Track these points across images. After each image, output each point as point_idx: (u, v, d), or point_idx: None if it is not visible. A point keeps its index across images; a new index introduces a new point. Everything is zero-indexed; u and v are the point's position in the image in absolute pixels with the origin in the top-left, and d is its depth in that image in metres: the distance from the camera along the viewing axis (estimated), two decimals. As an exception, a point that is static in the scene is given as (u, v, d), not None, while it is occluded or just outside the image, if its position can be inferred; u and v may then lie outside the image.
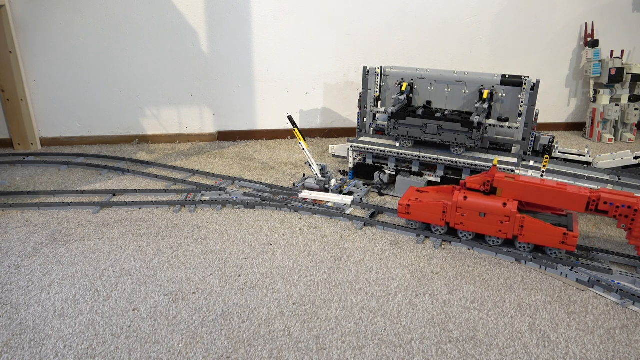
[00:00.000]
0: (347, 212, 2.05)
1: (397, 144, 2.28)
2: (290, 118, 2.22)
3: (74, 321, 1.40)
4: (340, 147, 2.51)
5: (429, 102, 2.37)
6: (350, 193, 2.24)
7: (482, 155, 2.18)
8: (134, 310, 1.45)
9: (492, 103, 2.22)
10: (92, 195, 2.23)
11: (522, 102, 2.15)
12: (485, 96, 2.19)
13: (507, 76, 2.17)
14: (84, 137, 2.98)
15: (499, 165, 2.03)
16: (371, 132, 2.48)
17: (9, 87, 2.75)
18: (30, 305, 1.47)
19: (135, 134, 3.02)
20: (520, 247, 1.77)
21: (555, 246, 1.70)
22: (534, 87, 2.09)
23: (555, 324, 1.43)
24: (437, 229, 1.87)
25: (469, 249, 1.82)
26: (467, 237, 1.83)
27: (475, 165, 2.10)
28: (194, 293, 1.54)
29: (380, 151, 2.28)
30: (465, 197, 1.77)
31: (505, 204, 1.72)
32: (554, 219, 1.78)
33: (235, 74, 2.97)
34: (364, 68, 2.38)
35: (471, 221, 1.79)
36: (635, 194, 1.65)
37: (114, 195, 2.23)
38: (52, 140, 2.96)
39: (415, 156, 2.21)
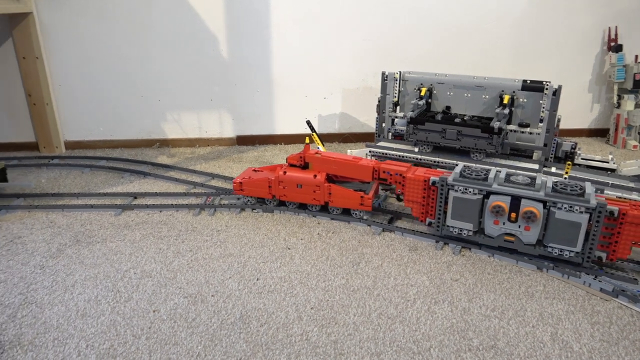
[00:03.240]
0: (365, 217, 2.05)
1: (416, 149, 2.27)
2: (308, 123, 2.23)
3: (96, 321, 1.43)
4: (358, 152, 2.51)
5: (448, 108, 2.36)
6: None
7: (503, 162, 2.16)
8: (154, 311, 1.47)
9: (513, 108, 2.20)
10: (114, 197, 2.27)
11: (543, 108, 2.13)
12: (505, 101, 2.16)
13: (528, 81, 2.15)
14: (106, 140, 3.04)
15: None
16: (389, 137, 2.48)
17: (35, 91, 2.82)
18: (54, 305, 1.50)
19: (156, 138, 3.07)
20: (331, 210, 2.07)
21: (356, 207, 2.02)
22: (556, 93, 2.06)
23: (578, 334, 1.40)
24: (270, 201, 2.14)
25: (489, 256, 1.80)
26: (294, 206, 2.13)
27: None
28: (212, 296, 1.55)
29: (399, 156, 2.27)
30: (285, 172, 2.06)
31: (315, 176, 2.02)
32: (357, 186, 2.10)
33: (255, 79, 3.00)
34: (383, 73, 2.38)
35: (291, 192, 2.07)
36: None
37: (135, 198, 2.27)
38: (76, 143, 3.03)
39: (434, 161, 2.19)
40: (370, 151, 2.33)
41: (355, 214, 2.05)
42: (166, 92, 2.97)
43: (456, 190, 1.74)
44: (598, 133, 3.35)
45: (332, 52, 2.98)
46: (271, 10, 2.85)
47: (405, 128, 2.28)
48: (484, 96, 2.26)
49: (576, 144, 2.18)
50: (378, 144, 2.36)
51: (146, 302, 1.51)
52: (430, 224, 1.89)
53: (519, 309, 1.51)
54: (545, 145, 2.15)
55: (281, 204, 2.15)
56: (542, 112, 2.13)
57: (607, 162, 2.23)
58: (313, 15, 2.89)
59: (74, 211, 2.14)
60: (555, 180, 1.70)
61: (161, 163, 2.72)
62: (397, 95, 2.41)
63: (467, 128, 2.11)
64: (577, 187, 1.64)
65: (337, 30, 2.93)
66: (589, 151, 3.03)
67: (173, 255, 1.79)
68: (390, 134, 2.48)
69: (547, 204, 1.63)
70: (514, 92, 2.18)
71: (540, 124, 2.14)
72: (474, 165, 1.87)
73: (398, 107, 2.45)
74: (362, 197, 1.99)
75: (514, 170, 1.90)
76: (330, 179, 2.08)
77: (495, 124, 2.06)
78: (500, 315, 1.48)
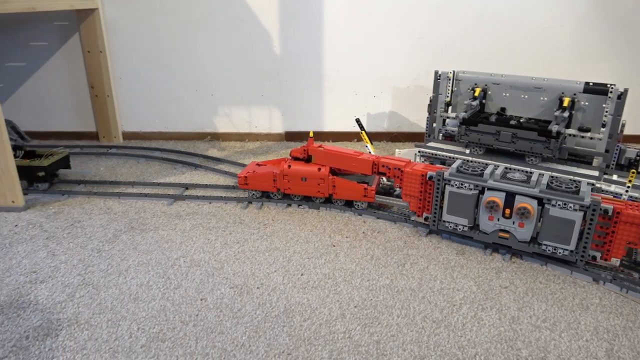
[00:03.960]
0: (412, 218, 2.02)
1: (467, 151, 2.21)
2: (358, 121, 2.22)
3: (147, 305, 1.49)
4: (407, 152, 2.48)
5: (503, 109, 2.28)
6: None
7: (560, 167, 2.07)
8: (201, 300, 1.52)
9: (573, 112, 2.10)
10: (166, 187, 2.35)
11: (606, 112, 2.02)
12: (565, 104, 2.07)
13: (591, 84, 2.04)
14: (161, 132, 3.15)
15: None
16: (440, 138, 2.43)
17: (98, 83, 2.97)
18: (109, 288, 1.58)
19: (208, 131, 3.15)
20: (335, 202, 2.12)
21: (360, 199, 2.07)
22: (621, 96, 1.95)
23: (636, 352, 1.32)
24: (275, 195, 2.17)
25: (542, 265, 1.73)
26: (298, 198, 2.16)
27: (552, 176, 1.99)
28: (258, 288, 1.58)
29: (449, 157, 2.22)
30: (290, 166, 2.10)
31: (320, 169, 2.08)
32: (360, 178, 2.13)
33: (305, 75, 3.02)
34: (436, 72, 2.33)
35: (296, 185, 2.12)
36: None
37: (187, 188, 2.34)
38: (132, 134, 3.16)
39: (486, 164, 2.13)
40: (419, 151, 2.29)
41: (357, 205, 2.09)
42: (219, 87, 3.04)
43: (452, 185, 1.75)
44: (666, 140, 3.14)
45: (384, 50, 2.95)
46: (324, 7, 2.86)
47: (456, 129, 2.23)
48: (542, 98, 2.18)
49: (641, 151, 2.06)
50: (428, 144, 2.32)
51: (194, 291, 1.56)
52: (426, 219, 1.91)
53: (572, 321, 1.44)
54: (607, 151, 2.04)
55: (285, 196, 2.19)
56: (605, 116, 2.02)
57: (676, 172, 2.09)
58: (366, 12, 2.87)
59: (129, 199, 2.24)
60: (552, 178, 1.68)
61: (212, 156, 2.79)
62: (449, 95, 2.36)
63: (523, 131, 2.03)
64: (572, 184, 1.64)
65: (390, 27, 2.90)
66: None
67: (221, 246, 1.83)
68: (441, 134, 2.43)
69: (542, 200, 1.62)
70: (574, 94, 2.08)
71: (603, 129, 2.04)
72: (472, 160, 1.84)
73: (450, 108, 2.40)
74: (365, 188, 2.04)
75: (512, 167, 1.92)
76: (334, 171, 2.12)
77: (554, 128, 1.97)
78: (552, 326, 1.42)
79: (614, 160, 2.06)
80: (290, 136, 3.15)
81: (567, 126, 2.11)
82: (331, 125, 3.14)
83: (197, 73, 3.01)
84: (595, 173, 2.00)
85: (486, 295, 1.55)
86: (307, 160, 2.14)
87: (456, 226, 1.80)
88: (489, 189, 1.70)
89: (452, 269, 1.70)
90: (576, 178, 1.74)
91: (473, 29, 2.88)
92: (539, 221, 1.66)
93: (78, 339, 1.34)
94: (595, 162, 2.14)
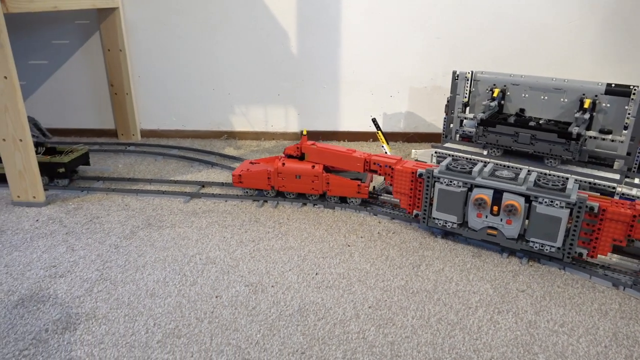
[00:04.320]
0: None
1: (485, 152, 2.19)
2: (374, 121, 2.22)
3: (164, 302, 1.50)
4: (423, 153, 2.47)
5: (522, 110, 2.25)
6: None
7: (580, 169, 2.03)
8: (216, 297, 1.53)
9: (594, 113, 2.06)
10: (183, 185, 2.38)
11: (628, 114, 1.98)
12: (586, 106, 2.03)
13: (613, 85, 2.01)
14: (178, 130, 3.18)
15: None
16: (457, 139, 2.41)
17: (117, 82, 3.01)
18: (126, 283, 1.60)
19: (225, 130, 3.18)
20: (328, 198, 2.15)
21: (353, 195, 2.10)
22: (645, 98, 1.91)
23: (658, 360, 1.29)
24: (268, 193, 2.19)
25: (560, 269, 1.70)
26: (292, 196, 2.19)
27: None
28: (272, 286, 1.58)
29: (466, 159, 2.20)
30: (284, 164, 2.12)
31: (313, 167, 2.10)
32: (354, 175, 2.16)
33: (322, 75, 3.02)
34: (454, 72, 2.31)
35: (290, 183, 2.14)
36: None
37: (203, 186, 2.36)
38: (150, 132, 3.20)
39: (504, 166, 2.11)
40: (436, 152, 2.28)
41: (352, 202, 2.13)
42: (236, 86, 3.06)
43: (442, 183, 1.77)
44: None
45: (401, 50, 2.93)
46: (341, 7, 2.85)
47: (474, 130, 2.21)
48: (562, 99, 2.14)
49: (665, 154, 2.01)
50: (444, 145, 2.31)
51: (210, 288, 1.57)
52: (417, 216, 1.92)
53: (590, 326, 1.42)
54: (628, 154, 2.00)
55: (279, 194, 2.22)
56: (628, 118, 1.98)
57: (701, 176, 2.04)
58: (383, 11, 2.86)
59: (146, 196, 2.26)
60: (539, 175, 1.71)
61: (228, 154, 2.81)
62: (467, 95, 2.34)
63: (543, 132, 2.00)
64: (559, 182, 1.65)
65: (407, 27, 2.88)
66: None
67: (236, 244, 1.84)
68: (458, 135, 2.41)
69: (529, 198, 1.64)
70: (596, 96, 2.04)
71: (624, 131, 2.00)
72: (461, 159, 1.85)
73: (468, 108, 2.37)
74: (359, 185, 2.08)
75: (501, 164, 1.94)
76: (327, 169, 2.15)
77: (574, 129, 1.94)
78: (570, 331, 1.39)
79: (635, 163, 2.02)
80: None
81: (588, 128, 2.08)
82: (347, 124, 3.13)
83: (215, 72, 3.03)
84: (617, 176, 1.96)
85: (502, 298, 1.54)
86: (301, 158, 2.17)
87: (445, 223, 1.82)
88: (477, 186, 1.72)
89: (468, 271, 1.68)
90: (566, 175, 1.75)
91: (493, 29, 2.85)
92: (527, 218, 1.67)
93: (96, 333, 1.37)
94: (617, 165, 2.10)
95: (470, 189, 1.74)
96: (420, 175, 1.84)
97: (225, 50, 2.98)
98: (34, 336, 1.35)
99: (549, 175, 1.70)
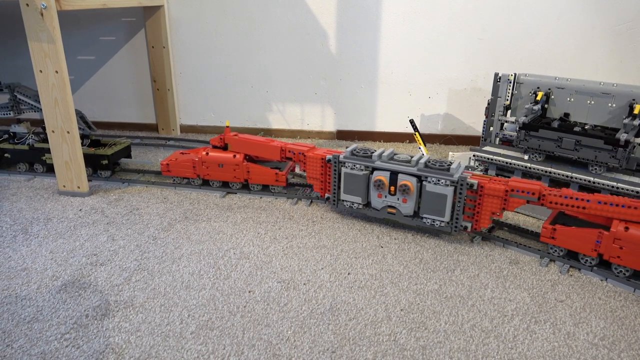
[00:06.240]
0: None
1: (526, 157, 2.13)
2: (412, 122, 2.19)
3: (198, 294, 1.53)
4: (461, 156, 2.42)
5: (566, 115, 2.18)
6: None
7: (627, 177, 1.94)
8: (249, 292, 1.55)
9: (645, 120, 1.97)
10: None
11: (683, 121, 1.88)
12: (636, 112, 1.94)
13: (667, 90, 1.91)
14: (216, 126, 3.24)
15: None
16: (497, 142, 2.35)
17: (160, 78, 3.09)
18: (162, 274, 1.64)
19: (261, 127, 3.21)
20: (252, 187, 2.25)
21: (272, 183, 2.21)
22: (701, 105, 1.81)
23: None
24: (194, 181, 2.30)
25: (602, 280, 1.64)
26: (217, 185, 2.28)
27: (617, 187, 1.88)
28: (304, 284, 1.59)
29: (506, 163, 2.14)
30: (207, 153, 2.21)
31: (235, 156, 2.19)
32: (275, 165, 2.26)
33: (360, 75, 3.01)
34: (496, 74, 2.26)
35: (214, 171, 2.23)
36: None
37: (239, 182, 2.40)
38: (189, 127, 3.27)
39: (546, 172, 2.04)
40: (474, 155, 2.23)
41: (273, 189, 2.24)
42: (274, 84, 3.09)
43: (347, 167, 1.93)
44: None
45: (441, 51, 2.89)
46: (381, 7, 2.83)
47: (515, 134, 2.15)
48: (610, 104, 2.06)
49: None
50: (484, 149, 2.26)
51: (243, 282, 1.60)
52: (328, 199, 2.06)
53: (633, 341, 1.35)
54: (681, 163, 1.90)
55: (205, 182, 2.30)
56: (681, 125, 1.88)
57: None
58: (423, 11, 2.82)
59: (184, 190, 2.32)
60: (429, 158, 1.88)
61: (264, 151, 2.83)
62: (509, 98, 2.28)
63: (588, 138, 1.93)
64: (445, 163, 1.83)
65: (448, 27, 2.84)
66: None
67: (270, 240, 1.86)
68: (498, 139, 2.35)
69: (420, 178, 1.82)
70: (647, 101, 1.95)
71: (678, 139, 1.90)
72: (363, 146, 2.02)
73: (509, 111, 2.31)
74: (276, 174, 2.18)
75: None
76: (251, 159, 2.25)
77: (622, 136, 1.86)
78: (610, 345, 1.34)
79: (688, 174, 1.92)
80: (342, 135, 3.16)
81: (637, 135, 1.98)
82: (383, 125, 3.11)
83: (254, 70, 3.07)
84: (667, 186, 1.87)
85: (540, 307, 1.49)
86: (224, 148, 2.25)
87: (352, 204, 1.97)
88: (376, 169, 1.88)
89: (505, 278, 1.64)
90: (449, 160, 1.90)
91: (537, 31, 2.77)
92: (419, 197, 1.83)
93: (133, 321, 1.41)
94: (667, 174, 2.00)
95: (372, 172, 1.90)
96: (329, 160, 1.98)
97: (265, 48, 3.01)
98: (75, 321, 1.40)
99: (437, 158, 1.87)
